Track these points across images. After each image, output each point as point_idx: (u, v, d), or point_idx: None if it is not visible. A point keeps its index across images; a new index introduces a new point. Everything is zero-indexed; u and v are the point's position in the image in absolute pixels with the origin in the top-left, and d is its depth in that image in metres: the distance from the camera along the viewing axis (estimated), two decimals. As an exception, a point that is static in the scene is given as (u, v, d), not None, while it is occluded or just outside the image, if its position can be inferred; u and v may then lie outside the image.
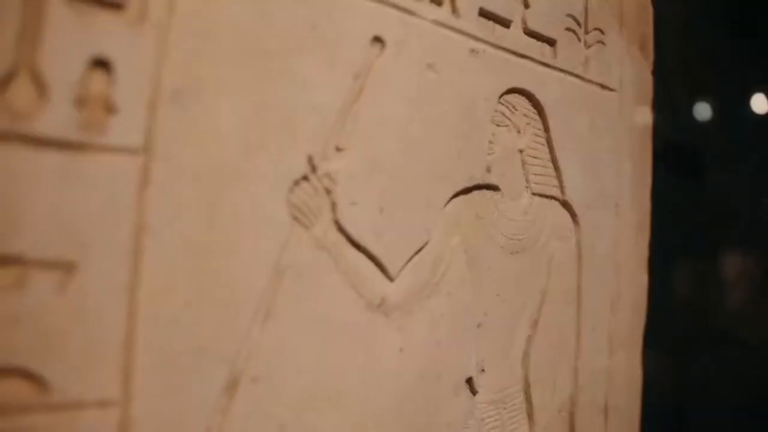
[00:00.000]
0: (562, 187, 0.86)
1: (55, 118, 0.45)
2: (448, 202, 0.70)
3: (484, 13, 0.74)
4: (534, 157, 0.81)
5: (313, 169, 0.58)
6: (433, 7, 0.68)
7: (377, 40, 0.63)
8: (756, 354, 1.50)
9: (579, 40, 0.87)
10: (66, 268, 0.45)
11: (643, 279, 1.00)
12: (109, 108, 0.47)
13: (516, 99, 0.79)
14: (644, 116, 1.00)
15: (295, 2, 0.57)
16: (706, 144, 1.58)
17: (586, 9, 0.89)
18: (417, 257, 0.67)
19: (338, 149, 0.60)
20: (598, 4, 0.90)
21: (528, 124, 0.80)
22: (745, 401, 1.45)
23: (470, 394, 0.74)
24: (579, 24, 0.87)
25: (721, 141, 1.58)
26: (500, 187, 0.77)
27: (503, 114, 0.77)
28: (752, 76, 1.61)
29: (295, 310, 0.57)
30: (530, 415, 0.83)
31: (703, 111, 1.67)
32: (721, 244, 1.61)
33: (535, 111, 0.81)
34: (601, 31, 0.91)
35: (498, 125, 0.76)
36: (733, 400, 1.44)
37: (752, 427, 1.42)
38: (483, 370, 0.75)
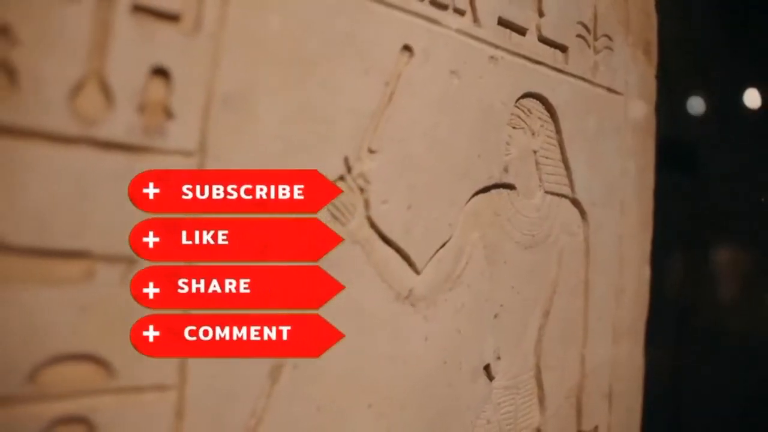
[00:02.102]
0: (572, 186, 0.88)
1: (120, 123, 0.47)
2: (469, 200, 0.73)
3: (502, 22, 0.76)
4: (546, 158, 0.84)
5: (349, 169, 0.60)
6: (457, 17, 0.70)
7: (406, 48, 0.65)
8: (751, 347, 1.53)
9: (588, 46, 0.90)
10: (128, 261, 0.47)
11: (646, 272, 1.03)
12: (168, 113, 0.49)
13: (531, 102, 0.81)
14: (648, 118, 1.02)
15: (334, 14, 0.59)
16: (706, 141, 1.60)
17: (595, 17, 0.91)
18: (441, 251, 0.70)
19: (371, 151, 0.62)
20: (606, 12, 0.93)
21: (542, 126, 0.82)
22: (740, 394, 1.48)
23: (487, 380, 0.77)
24: (588, 31, 0.89)
25: (720, 137, 1.60)
26: (516, 186, 0.79)
27: (519, 117, 0.79)
28: (750, 73, 1.63)
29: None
30: (541, 400, 0.85)
31: (701, 108, 1.69)
32: (719, 240, 1.64)
33: (548, 114, 0.84)
34: (609, 38, 0.93)
35: (514, 128, 0.78)
36: (728, 392, 1.47)
37: (748, 419, 1.45)
38: (499, 358, 0.78)
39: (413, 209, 0.66)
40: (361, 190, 0.61)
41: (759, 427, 1.48)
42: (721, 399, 1.47)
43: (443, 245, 0.70)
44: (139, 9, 0.47)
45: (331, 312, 0.59)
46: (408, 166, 0.65)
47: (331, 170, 0.59)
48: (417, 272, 0.67)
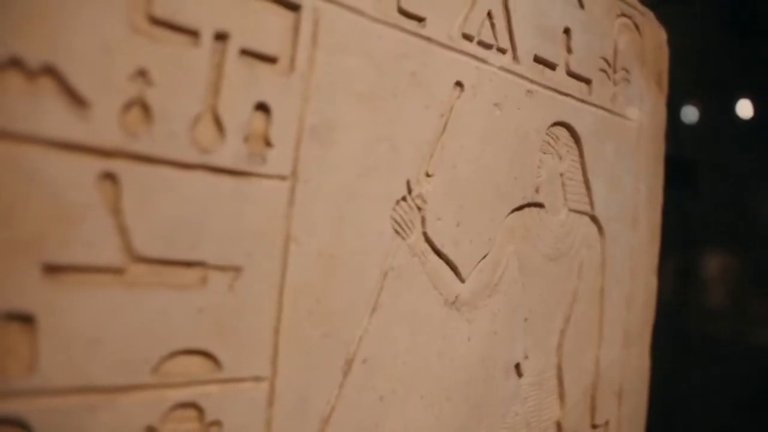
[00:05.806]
0: (591, 204, 0.93)
1: (229, 152, 0.52)
2: (506, 216, 0.78)
3: (537, 59, 0.81)
4: (571, 179, 0.89)
5: (409, 190, 0.65)
6: (500, 55, 0.76)
7: (458, 84, 0.70)
8: (746, 350, 1.58)
9: (609, 78, 0.95)
10: (235, 271, 0.52)
11: (653, 282, 1.08)
12: (267, 143, 0.54)
13: (558, 130, 0.86)
14: (658, 142, 1.08)
15: (401, 56, 0.64)
16: (705, 155, 1.65)
17: (615, 52, 0.96)
18: (482, 262, 0.75)
19: (428, 175, 0.67)
20: (625, 48, 0.98)
21: (568, 151, 0.88)
22: (735, 392, 1.53)
23: (517, 377, 0.82)
24: (609, 65, 0.95)
25: (720, 151, 1.64)
26: (545, 204, 0.84)
27: (549, 143, 0.84)
28: (747, 89, 1.68)
29: (393, 305, 0.65)
30: (561, 396, 0.90)
31: (700, 122, 1.73)
32: (714, 250, 1.69)
33: (573, 140, 0.89)
34: (627, 71, 0.99)
35: (544, 153, 0.84)
36: (723, 391, 1.52)
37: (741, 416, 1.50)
38: (527, 357, 0.83)
39: (461, 225, 0.71)
40: (419, 209, 0.67)
41: (749, 422, 1.53)
42: (717, 397, 1.52)
43: (484, 257, 0.75)
44: (245, 53, 0.53)
45: (393, 315, 0.65)
46: (458, 188, 0.71)
47: (396, 191, 0.64)
48: (462, 281, 0.72)
